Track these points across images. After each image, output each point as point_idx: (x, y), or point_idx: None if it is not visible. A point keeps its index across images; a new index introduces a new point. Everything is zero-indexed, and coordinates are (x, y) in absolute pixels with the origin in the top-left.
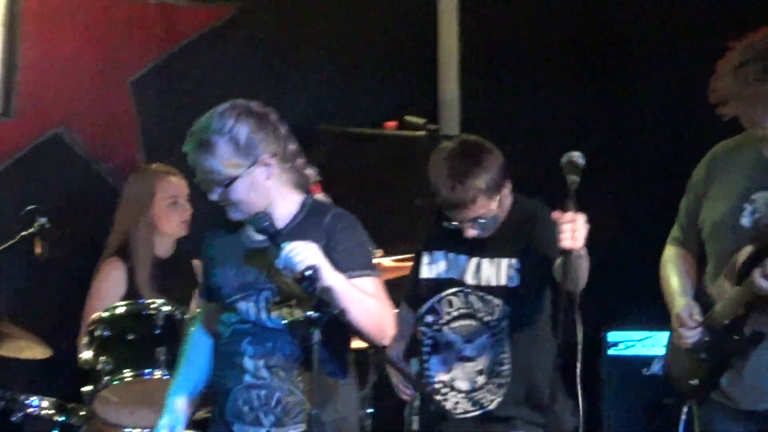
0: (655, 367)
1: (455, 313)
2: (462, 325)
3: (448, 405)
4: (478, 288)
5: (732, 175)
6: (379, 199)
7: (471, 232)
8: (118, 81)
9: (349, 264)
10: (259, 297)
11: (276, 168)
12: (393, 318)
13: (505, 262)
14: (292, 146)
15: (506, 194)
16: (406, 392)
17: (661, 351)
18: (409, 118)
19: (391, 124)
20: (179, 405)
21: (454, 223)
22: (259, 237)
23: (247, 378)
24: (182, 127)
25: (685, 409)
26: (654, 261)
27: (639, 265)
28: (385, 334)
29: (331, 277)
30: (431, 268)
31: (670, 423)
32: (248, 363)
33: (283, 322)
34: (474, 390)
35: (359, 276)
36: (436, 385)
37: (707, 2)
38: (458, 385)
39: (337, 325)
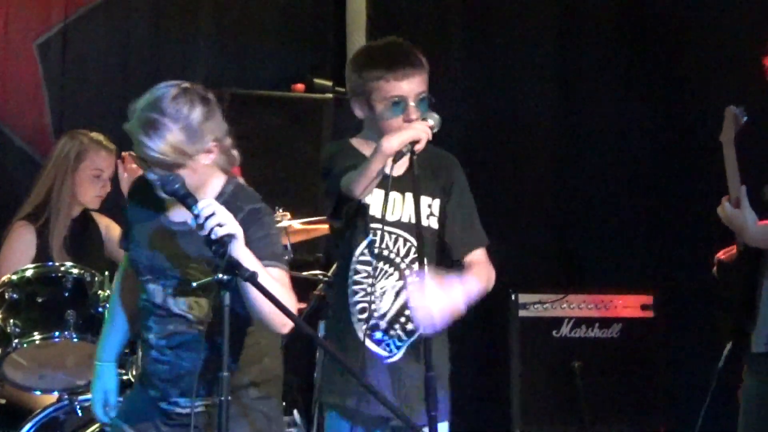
0: None
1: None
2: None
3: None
4: (395, 225)
5: None
6: (286, 161)
7: (413, 113)
8: (24, 44)
9: (257, 254)
10: (166, 282)
11: (215, 153)
12: (293, 309)
13: (426, 200)
14: (225, 127)
15: None
16: None
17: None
18: (317, 80)
19: (299, 86)
20: (108, 370)
21: (397, 95)
22: (177, 219)
23: (153, 353)
24: (88, 90)
25: (728, 346)
26: (571, 223)
27: (553, 227)
28: (284, 321)
29: (241, 248)
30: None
31: (577, 385)
32: (153, 340)
33: (194, 284)
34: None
35: (265, 266)
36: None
37: None
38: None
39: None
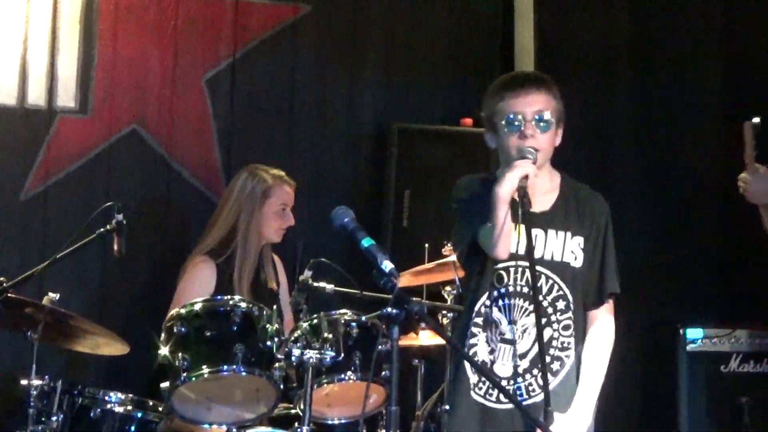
0: None
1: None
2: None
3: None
4: (537, 262)
5: None
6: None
7: (529, 129)
8: (193, 78)
9: None
10: None
11: None
12: None
13: (576, 239)
14: None
15: (557, 139)
16: None
17: (737, 348)
18: None
19: (467, 120)
20: None
21: (512, 112)
22: None
23: None
24: (256, 124)
25: None
26: (738, 258)
27: (720, 260)
28: None
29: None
30: None
31: (744, 422)
32: None
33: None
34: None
35: None
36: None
37: None
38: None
39: None
